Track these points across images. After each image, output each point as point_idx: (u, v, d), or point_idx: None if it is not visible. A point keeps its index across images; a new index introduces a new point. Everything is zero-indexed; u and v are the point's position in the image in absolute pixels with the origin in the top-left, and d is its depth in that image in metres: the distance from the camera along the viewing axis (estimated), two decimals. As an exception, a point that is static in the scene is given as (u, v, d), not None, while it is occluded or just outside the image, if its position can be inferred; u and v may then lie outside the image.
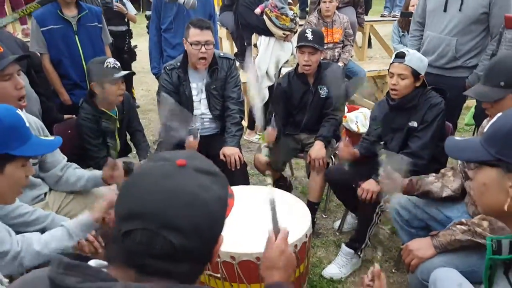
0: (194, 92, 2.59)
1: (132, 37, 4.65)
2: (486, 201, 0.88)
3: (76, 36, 2.74)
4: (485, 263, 0.90)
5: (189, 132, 2.51)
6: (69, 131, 2.37)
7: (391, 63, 2.21)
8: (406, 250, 1.64)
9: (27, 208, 1.61)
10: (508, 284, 0.85)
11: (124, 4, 4.51)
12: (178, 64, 2.55)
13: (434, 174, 1.90)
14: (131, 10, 5.63)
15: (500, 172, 0.83)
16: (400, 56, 2.13)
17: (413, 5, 4.36)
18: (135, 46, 4.86)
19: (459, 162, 1.87)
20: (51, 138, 1.35)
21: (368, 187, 2.11)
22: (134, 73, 2.70)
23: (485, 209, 0.90)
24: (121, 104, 2.46)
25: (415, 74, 2.12)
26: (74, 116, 2.51)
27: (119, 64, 2.36)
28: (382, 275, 1.25)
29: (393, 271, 2.33)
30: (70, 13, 2.71)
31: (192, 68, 2.56)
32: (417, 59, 2.13)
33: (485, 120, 1.75)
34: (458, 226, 1.56)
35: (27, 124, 1.23)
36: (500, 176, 0.83)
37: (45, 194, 1.91)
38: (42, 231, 1.51)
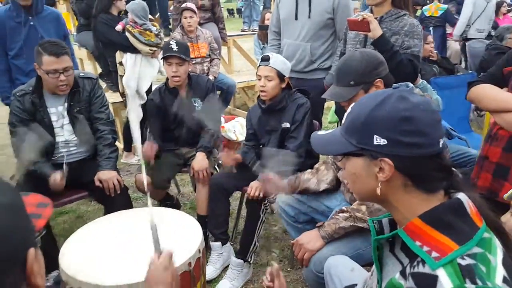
0: (53, 118, 2.32)
1: None
2: (359, 188, 0.91)
3: None
4: (372, 244, 0.93)
5: (53, 168, 2.24)
6: None
7: (258, 66, 2.33)
8: (297, 245, 1.70)
9: None
10: (396, 260, 0.88)
11: None
12: (31, 88, 2.26)
13: (309, 171, 2.02)
14: None
15: (365, 160, 0.86)
16: (265, 59, 2.27)
17: (268, 19, 4.70)
18: None
19: (330, 155, 2.03)
20: None
21: (256, 185, 2.17)
22: None
23: (361, 196, 0.93)
24: None
25: (280, 75, 2.27)
26: None
27: None
28: (281, 274, 1.26)
29: (289, 269, 2.39)
30: None
31: (48, 92, 2.29)
32: (280, 62, 2.29)
33: (346, 113, 1.94)
34: (340, 214, 1.67)
35: None
36: (366, 164, 0.86)
37: None
38: None
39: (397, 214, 0.89)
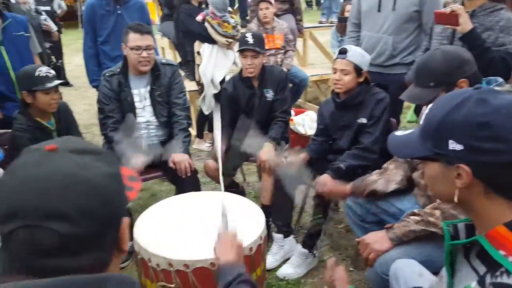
0: (136, 99, 2.48)
1: (60, 54, 4.49)
2: (439, 192, 0.88)
3: (2, 46, 2.57)
4: (445, 249, 0.89)
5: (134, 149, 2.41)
6: (5, 146, 2.20)
7: (334, 59, 2.25)
8: (363, 244, 1.64)
9: None
10: (470, 268, 0.84)
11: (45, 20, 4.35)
12: (118, 70, 2.45)
13: (376, 171, 1.93)
14: (53, 27, 5.46)
15: (442, 165, 0.82)
16: (343, 52, 2.18)
17: (348, 11, 4.55)
18: (61, 62, 4.67)
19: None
20: None
21: (324, 180, 2.12)
22: (68, 83, 2.56)
23: (441, 199, 0.91)
24: (58, 114, 2.33)
25: (357, 69, 2.18)
26: (8, 130, 2.32)
27: (52, 73, 2.23)
28: (341, 266, 1.25)
29: (351, 269, 2.33)
30: None
31: (133, 74, 2.46)
32: (358, 55, 2.19)
33: (424, 107, 1.81)
34: (411, 217, 1.58)
35: None
36: (443, 169, 0.82)
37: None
38: None
39: (477, 220, 0.84)
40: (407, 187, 1.88)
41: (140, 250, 1.63)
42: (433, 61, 1.61)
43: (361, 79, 2.22)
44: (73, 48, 7.76)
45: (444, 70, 1.57)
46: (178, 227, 1.76)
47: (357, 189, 1.87)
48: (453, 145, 0.78)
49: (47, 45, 4.36)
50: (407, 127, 4.28)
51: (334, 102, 2.32)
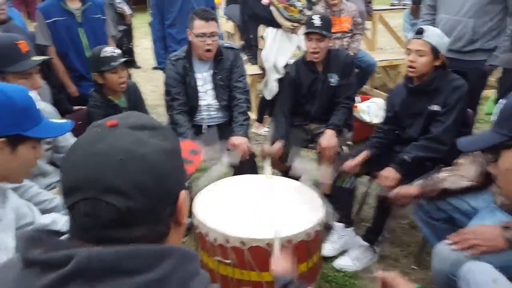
0: (199, 83, 2.52)
1: (131, 37, 4.68)
2: None
3: (80, 28, 2.74)
4: None
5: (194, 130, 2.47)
6: (79, 122, 2.36)
7: (408, 40, 2.10)
8: (472, 233, 1.44)
9: (46, 195, 1.63)
10: None
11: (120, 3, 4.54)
12: (183, 54, 2.50)
13: (445, 169, 1.78)
14: (127, 10, 5.68)
15: None
16: (419, 32, 2.03)
17: (424, -8, 4.24)
18: (132, 45, 4.86)
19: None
20: (63, 121, 1.36)
21: (387, 174, 2.02)
22: (131, 60, 2.67)
23: None
24: (128, 93, 2.44)
25: (434, 51, 2.01)
26: (83, 107, 2.50)
27: (118, 51, 2.32)
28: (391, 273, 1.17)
29: (413, 267, 2.20)
30: (74, 5, 2.71)
31: (196, 58, 2.50)
32: (436, 35, 2.02)
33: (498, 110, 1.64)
34: None
35: (38, 107, 1.23)
36: None
37: (56, 182, 1.89)
38: None
39: None
40: (483, 184, 1.71)
41: (198, 225, 1.68)
42: None
43: (438, 63, 2.04)
44: (142, 32, 8.07)
45: None
46: (235, 206, 1.79)
47: (426, 190, 1.73)
48: None
49: (121, 27, 4.56)
50: (484, 120, 3.94)
51: (406, 88, 2.16)
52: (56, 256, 0.59)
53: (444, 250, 1.50)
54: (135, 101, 2.50)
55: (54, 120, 1.34)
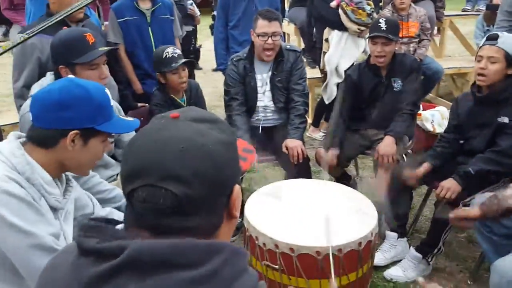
0: (259, 84, 2.56)
1: (197, 38, 4.81)
2: None
3: (149, 28, 2.86)
4: None
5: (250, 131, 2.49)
6: (142, 118, 2.47)
7: (480, 47, 1.99)
8: None
9: (107, 185, 1.70)
10: None
11: (191, 4, 4.68)
12: (245, 55, 2.55)
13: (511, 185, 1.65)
14: (197, 12, 5.86)
15: None
16: (492, 38, 1.92)
17: (500, -3, 3.97)
18: (200, 46, 4.99)
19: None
20: (131, 119, 1.42)
21: (448, 185, 1.94)
22: (193, 61, 2.74)
23: None
24: (189, 92, 2.52)
25: (509, 59, 1.89)
26: (146, 104, 2.62)
27: (178, 52, 2.40)
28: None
29: (469, 283, 2.09)
30: (145, 5, 2.84)
31: (258, 59, 2.54)
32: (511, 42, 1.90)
33: None
34: None
35: (112, 104, 1.30)
36: None
37: (118, 175, 1.99)
38: (118, 209, 1.60)
39: None
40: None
41: (249, 227, 1.68)
42: None
43: (511, 72, 1.92)
44: (205, 34, 8.34)
45: None
46: (287, 211, 1.77)
47: (489, 209, 1.62)
48: None
49: (190, 28, 4.70)
50: None
51: (474, 96, 2.05)
52: (110, 246, 0.61)
53: (504, 267, 1.40)
54: (196, 100, 2.58)
55: (123, 118, 1.40)
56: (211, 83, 6.11)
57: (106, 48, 1.85)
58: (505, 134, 1.93)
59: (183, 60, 2.37)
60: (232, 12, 3.36)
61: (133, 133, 1.95)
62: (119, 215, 1.54)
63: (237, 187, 0.70)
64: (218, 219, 0.68)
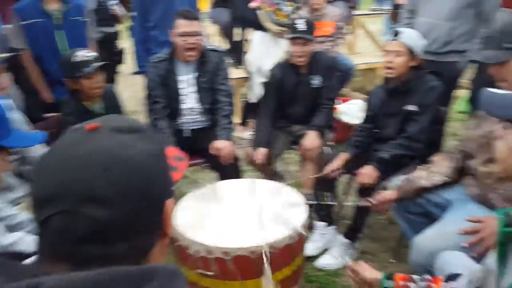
0: (182, 85, 2.51)
1: (118, 39, 4.56)
2: None
3: (59, 31, 2.66)
4: (498, 238, 0.85)
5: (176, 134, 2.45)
6: (52, 130, 2.28)
7: (387, 42, 2.19)
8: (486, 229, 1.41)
9: (9, 211, 1.54)
10: None
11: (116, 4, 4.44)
12: (166, 56, 2.48)
13: (420, 167, 1.85)
14: (120, 11, 5.55)
15: None
16: (396, 34, 2.12)
17: (402, -3, 4.35)
18: (123, 48, 4.78)
19: (456, 142, 1.83)
20: (35, 132, 1.30)
21: (366, 172, 2.08)
22: (108, 64, 2.59)
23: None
24: (105, 98, 2.36)
25: (410, 52, 2.09)
26: (56, 114, 2.40)
27: (92, 55, 2.23)
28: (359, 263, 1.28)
29: (391, 261, 2.26)
30: (53, 6, 2.62)
31: (180, 60, 2.49)
32: (412, 37, 2.12)
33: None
34: None
35: (8, 116, 1.17)
36: None
37: (24, 196, 1.82)
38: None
39: None
40: (456, 179, 1.78)
41: (178, 237, 1.61)
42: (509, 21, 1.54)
43: (414, 64, 2.12)
44: (123, 36, 7.99)
45: None
46: (217, 214, 1.74)
47: (404, 191, 1.79)
48: None
49: (112, 30, 4.42)
50: (456, 118, 4.05)
51: (385, 88, 2.24)
52: (19, 286, 0.50)
53: (421, 243, 1.55)
54: (113, 107, 2.41)
55: (26, 131, 1.29)
56: (129, 87, 5.84)
57: (3, 55, 1.69)
58: (412, 121, 2.12)
59: (98, 64, 2.21)
60: (151, 12, 3.26)
61: (41, 147, 1.70)
62: (28, 242, 1.40)
63: (169, 203, 0.63)
64: (150, 241, 0.61)
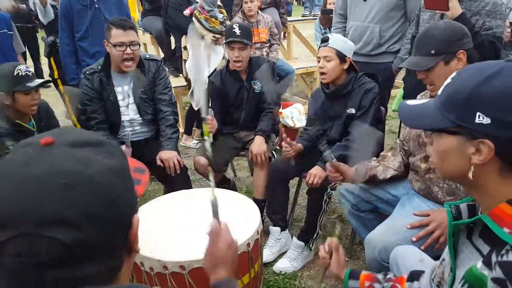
0: (119, 97, 2.40)
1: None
2: (447, 169, 0.83)
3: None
4: (447, 230, 0.88)
5: (120, 140, 2.35)
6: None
7: (318, 49, 2.25)
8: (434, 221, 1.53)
9: None
10: (473, 248, 0.83)
11: None
12: (99, 67, 2.35)
13: (374, 158, 1.91)
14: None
15: (460, 140, 0.77)
16: (325, 40, 2.20)
17: (330, 3, 4.54)
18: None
19: (398, 140, 1.91)
20: None
21: (315, 172, 2.11)
22: (50, 81, 2.43)
23: (446, 175, 0.86)
24: (38, 114, 2.20)
25: (340, 55, 2.18)
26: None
27: (32, 71, 2.10)
28: (341, 249, 1.28)
29: (346, 259, 2.31)
30: None
31: (115, 71, 2.37)
32: (340, 41, 2.20)
33: (419, 95, 1.81)
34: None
35: None
36: (461, 144, 0.77)
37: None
38: None
39: (483, 199, 0.82)
40: (403, 174, 1.86)
41: None
42: (436, 30, 1.60)
43: (345, 66, 2.21)
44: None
45: (446, 38, 1.56)
46: (170, 228, 1.68)
47: (358, 174, 1.83)
48: (480, 119, 0.74)
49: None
50: (391, 116, 4.31)
51: (324, 93, 2.30)
52: None
53: (374, 239, 1.60)
54: (47, 123, 2.26)
55: None
56: (61, 101, 5.52)
57: None
58: (355, 124, 2.19)
59: (41, 81, 2.08)
60: (78, 22, 3.08)
61: None
62: None
63: (136, 218, 0.61)
64: (118, 261, 0.59)
